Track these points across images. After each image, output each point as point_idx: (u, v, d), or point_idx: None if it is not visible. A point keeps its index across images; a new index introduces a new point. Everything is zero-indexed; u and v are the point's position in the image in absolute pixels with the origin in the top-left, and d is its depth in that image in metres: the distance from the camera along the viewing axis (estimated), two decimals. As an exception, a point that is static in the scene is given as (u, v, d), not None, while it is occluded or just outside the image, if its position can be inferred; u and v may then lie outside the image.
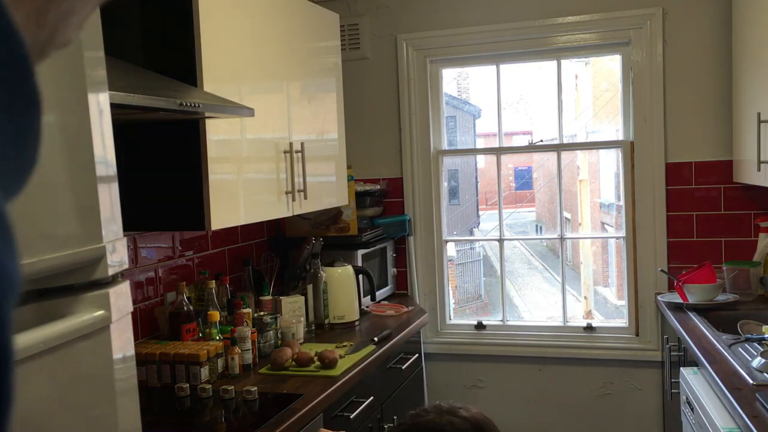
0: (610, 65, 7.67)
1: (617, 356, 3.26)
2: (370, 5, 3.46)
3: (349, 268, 2.94)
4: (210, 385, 2.11)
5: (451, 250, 4.56)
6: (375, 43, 3.46)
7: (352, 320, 2.91)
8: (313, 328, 2.83)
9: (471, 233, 12.91)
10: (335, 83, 3.04)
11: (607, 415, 3.29)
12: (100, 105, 1.04)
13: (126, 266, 1.09)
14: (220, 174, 2.20)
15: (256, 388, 2.09)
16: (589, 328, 3.32)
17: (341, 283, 2.89)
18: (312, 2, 2.90)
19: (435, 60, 3.44)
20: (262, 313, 2.59)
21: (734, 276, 2.90)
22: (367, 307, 3.16)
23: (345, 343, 2.59)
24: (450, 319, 3.55)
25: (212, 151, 2.16)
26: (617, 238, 3.64)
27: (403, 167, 3.47)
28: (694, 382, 2.20)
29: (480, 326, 3.47)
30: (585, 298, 10.60)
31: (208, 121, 2.15)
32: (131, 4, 2.19)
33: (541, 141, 3.77)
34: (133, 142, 2.20)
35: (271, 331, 2.51)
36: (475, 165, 11.49)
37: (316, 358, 2.31)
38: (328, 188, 2.98)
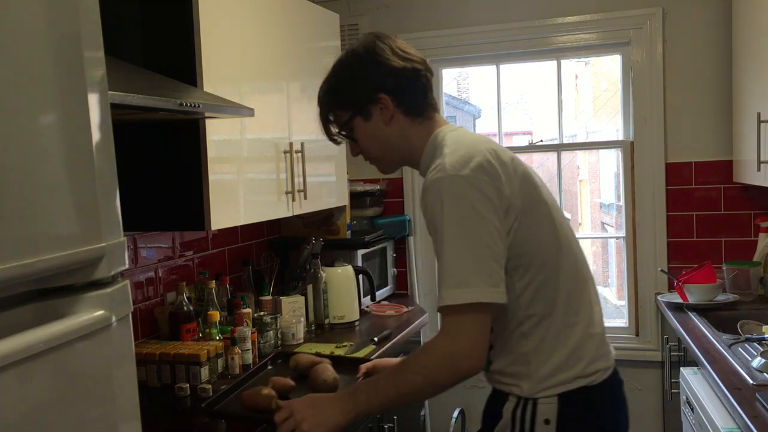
0: (610, 65, 7.67)
1: (617, 356, 3.18)
2: (370, 5, 3.46)
3: (349, 268, 2.94)
4: (210, 385, 2.11)
5: (451, 250, 4.55)
6: (375, 43, 3.45)
7: (352, 320, 2.91)
8: (313, 328, 2.83)
9: (471, 233, 12.89)
10: (335, 83, 3.03)
11: (607, 415, 3.28)
12: (100, 105, 1.04)
13: (126, 266, 1.09)
14: (220, 174, 2.20)
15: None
16: (589, 328, 3.31)
17: (341, 283, 2.89)
18: (312, 2, 2.90)
19: (435, 60, 3.44)
20: (262, 313, 2.59)
21: (734, 276, 2.90)
22: (367, 307, 3.15)
23: (345, 343, 2.59)
24: (450, 319, 3.54)
25: (212, 151, 2.16)
26: (617, 238, 3.64)
27: (403, 167, 3.46)
28: (694, 382, 2.20)
29: (480, 326, 3.45)
30: (585, 298, 10.58)
31: (208, 122, 2.15)
32: (131, 4, 2.19)
33: (541, 141, 3.77)
34: (133, 142, 2.20)
35: (271, 332, 2.51)
36: (475, 165, 11.47)
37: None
38: (328, 188, 2.98)
